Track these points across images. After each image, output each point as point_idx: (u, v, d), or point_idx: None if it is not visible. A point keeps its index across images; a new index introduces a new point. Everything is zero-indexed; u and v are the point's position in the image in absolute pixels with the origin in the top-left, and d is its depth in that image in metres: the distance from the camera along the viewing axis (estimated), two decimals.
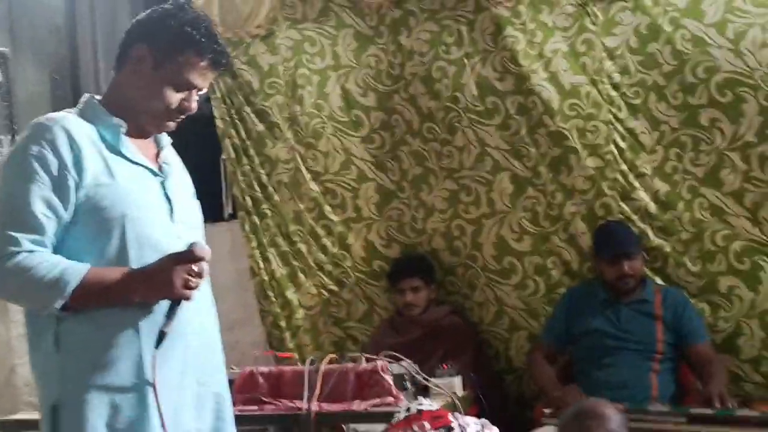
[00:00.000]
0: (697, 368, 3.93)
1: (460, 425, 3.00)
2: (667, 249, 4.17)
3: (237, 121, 4.80)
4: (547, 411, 3.78)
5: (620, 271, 3.98)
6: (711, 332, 4.06)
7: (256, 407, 3.51)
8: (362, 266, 4.67)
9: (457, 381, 3.69)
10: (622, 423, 2.58)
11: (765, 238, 4.06)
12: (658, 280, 4.16)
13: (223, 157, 4.87)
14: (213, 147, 4.88)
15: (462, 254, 4.50)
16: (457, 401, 3.49)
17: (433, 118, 4.48)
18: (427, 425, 2.93)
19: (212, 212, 4.95)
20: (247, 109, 4.77)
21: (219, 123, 4.82)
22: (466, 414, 3.37)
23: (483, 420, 3.12)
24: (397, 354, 3.60)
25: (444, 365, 3.81)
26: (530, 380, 4.31)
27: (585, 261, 4.27)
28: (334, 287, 4.69)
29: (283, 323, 4.67)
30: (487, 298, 4.46)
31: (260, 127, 4.75)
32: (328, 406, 3.40)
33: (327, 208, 4.68)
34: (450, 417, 3.01)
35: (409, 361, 3.59)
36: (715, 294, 4.11)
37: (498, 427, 3.19)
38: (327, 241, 4.68)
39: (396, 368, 3.55)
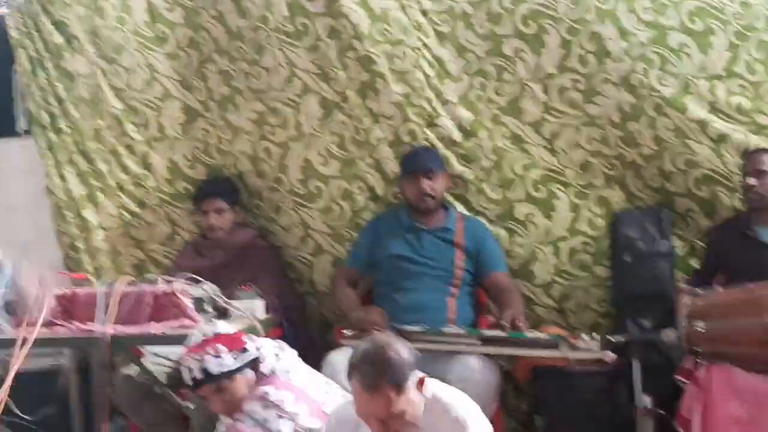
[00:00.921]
0: (494, 296, 4.05)
1: (256, 347, 3.00)
2: (469, 176, 4.25)
3: (33, 31, 4.55)
4: (347, 333, 3.81)
5: (420, 188, 4.03)
6: (507, 257, 4.20)
7: (47, 330, 3.39)
8: (166, 187, 4.55)
9: (258, 304, 3.68)
10: (410, 358, 2.61)
11: (560, 167, 4.21)
12: (460, 208, 4.24)
13: (16, 68, 4.62)
14: (4, 58, 4.61)
15: (268, 177, 4.45)
16: (257, 324, 3.47)
17: (242, 38, 4.37)
18: (222, 348, 2.92)
19: (4, 127, 4.71)
20: (44, 19, 4.53)
21: (13, 33, 4.56)
22: (268, 337, 3.38)
23: (280, 342, 3.13)
24: (196, 276, 3.55)
25: (244, 287, 3.78)
26: (333, 304, 4.34)
27: (390, 187, 4.31)
28: (135, 208, 4.55)
29: (80, 245, 4.50)
30: (292, 222, 4.44)
31: (58, 39, 4.52)
32: (123, 329, 3.32)
33: (129, 127, 4.52)
34: (245, 339, 2.99)
35: (209, 283, 3.55)
36: (512, 221, 4.24)
37: (300, 350, 3.21)
38: (129, 161, 4.53)
39: (196, 291, 3.50)
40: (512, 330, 3.63)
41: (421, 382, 2.63)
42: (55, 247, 4.55)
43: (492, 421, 2.77)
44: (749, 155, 3.85)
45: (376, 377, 2.54)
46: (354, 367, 2.59)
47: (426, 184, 4.04)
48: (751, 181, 3.76)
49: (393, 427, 2.60)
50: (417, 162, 4.09)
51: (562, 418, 3.81)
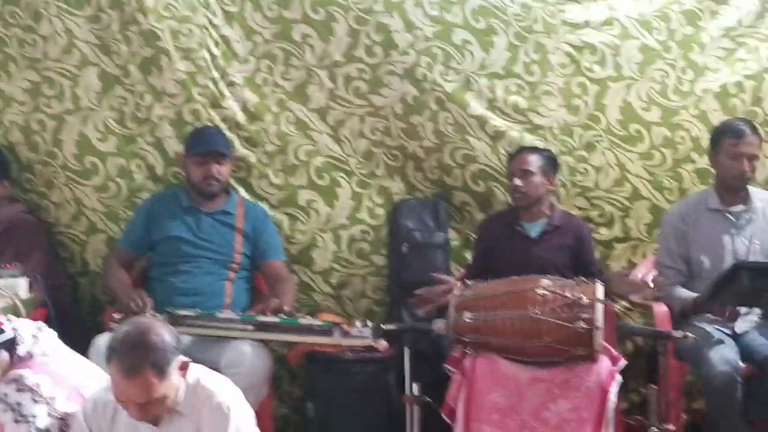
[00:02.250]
0: (271, 283, 4.01)
1: (12, 328, 2.85)
2: (253, 160, 4.22)
3: None
4: (117, 316, 3.69)
5: (208, 171, 3.95)
6: (288, 243, 4.20)
7: None
8: None
9: (21, 282, 3.55)
10: (172, 343, 2.55)
11: (344, 155, 4.24)
12: (242, 192, 4.20)
13: None
14: None
15: (41, 150, 4.23)
16: (19, 303, 3.32)
17: (17, 2, 4.14)
18: None
19: None
20: None
21: None
22: (31, 317, 3.23)
23: (39, 323, 2.99)
24: None
25: (9, 265, 3.61)
26: (104, 285, 4.19)
27: (170, 166, 4.20)
28: None
29: None
30: (65, 198, 4.25)
31: None
32: None
33: None
34: (3, 318, 2.84)
35: None
36: (294, 207, 4.24)
37: (67, 332, 3.09)
38: None
39: None
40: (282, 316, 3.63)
41: (184, 367, 2.58)
42: None
43: (263, 407, 2.75)
44: (513, 156, 3.98)
45: (136, 360, 2.47)
46: (113, 351, 2.51)
47: (215, 168, 3.96)
48: (517, 181, 3.89)
49: (153, 412, 2.54)
50: (208, 144, 4.00)
51: (334, 405, 3.83)
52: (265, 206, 4.19)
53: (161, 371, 2.49)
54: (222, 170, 3.99)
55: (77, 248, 4.30)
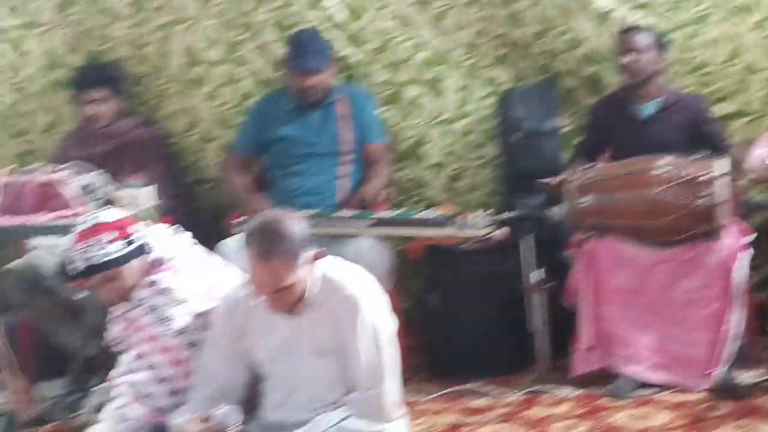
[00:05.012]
0: (367, 168, 4.03)
1: (145, 234, 2.94)
2: (356, 59, 4.20)
3: None
4: (239, 220, 3.78)
5: (303, 84, 3.95)
6: (397, 140, 4.20)
7: None
8: (44, 75, 4.38)
9: (147, 192, 3.60)
10: (303, 233, 2.61)
11: (448, 48, 4.19)
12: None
13: None
14: None
15: (150, 63, 4.31)
16: (147, 212, 3.41)
17: None
18: (107, 236, 2.84)
19: None
20: None
21: None
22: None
23: (173, 227, 3.08)
24: (83, 164, 3.46)
25: (133, 176, 3.70)
26: (224, 191, 4.28)
27: (276, 70, 4.22)
28: (14, 96, 4.38)
29: None
30: (178, 109, 4.34)
31: None
32: (6, 220, 3.23)
33: (1, 11, 4.31)
34: (132, 227, 2.93)
35: (96, 172, 3.46)
36: (401, 103, 4.23)
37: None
38: (2, 47, 4.33)
39: (82, 179, 3.41)
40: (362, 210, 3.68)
41: (315, 259, 2.63)
42: None
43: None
44: (621, 35, 3.88)
45: (269, 246, 2.55)
46: (249, 236, 2.60)
47: (311, 81, 3.95)
48: (625, 59, 3.81)
49: (285, 299, 2.61)
50: (303, 60, 3.96)
51: (456, 296, 3.87)
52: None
53: (292, 258, 2.56)
54: (321, 79, 3.97)
55: (193, 157, 4.40)
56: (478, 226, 3.55)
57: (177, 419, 2.70)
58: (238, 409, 2.70)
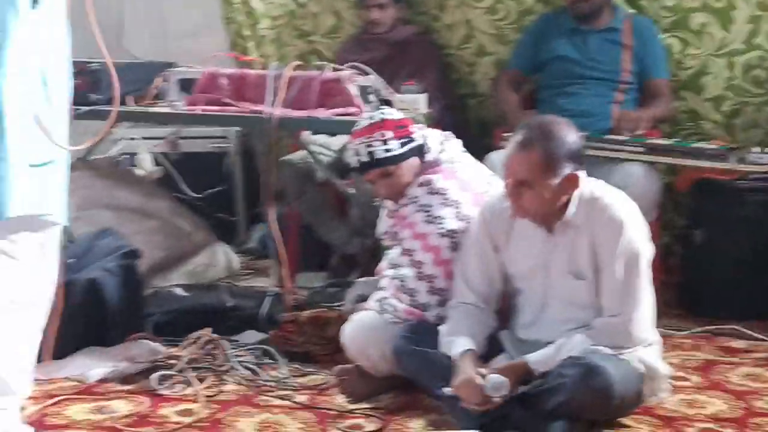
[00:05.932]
0: (648, 101, 3.93)
1: (422, 135, 3.01)
2: None
3: None
4: (506, 135, 3.78)
5: None
6: (677, 68, 4.06)
7: (217, 108, 3.48)
8: None
9: (421, 98, 3.66)
10: (575, 146, 2.59)
11: None
12: (629, 9, 4.09)
13: None
14: None
15: None
16: (421, 117, 3.47)
17: None
18: (389, 133, 2.93)
19: None
20: None
21: None
22: None
23: (446, 132, 3.13)
24: (363, 66, 3.56)
25: (408, 81, 3.78)
26: (493, 106, 4.30)
27: None
28: None
29: (247, 32, 4.51)
30: (456, 21, 4.36)
31: None
32: (290, 112, 3.38)
33: None
34: (412, 127, 3.01)
35: (374, 74, 3.55)
36: (686, 30, 4.06)
37: None
38: None
39: (361, 80, 3.51)
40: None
41: (574, 178, 2.59)
42: (223, 35, 4.60)
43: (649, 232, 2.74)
44: None
45: (533, 139, 2.56)
46: (523, 126, 2.63)
47: None
48: None
49: (525, 199, 2.59)
50: None
51: (723, 234, 3.69)
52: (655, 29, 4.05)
53: (553, 162, 2.55)
54: None
55: (466, 70, 4.43)
56: (762, 161, 3.38)
57: (448, 348, 2.67)
58: (504, 382, 2.51)
